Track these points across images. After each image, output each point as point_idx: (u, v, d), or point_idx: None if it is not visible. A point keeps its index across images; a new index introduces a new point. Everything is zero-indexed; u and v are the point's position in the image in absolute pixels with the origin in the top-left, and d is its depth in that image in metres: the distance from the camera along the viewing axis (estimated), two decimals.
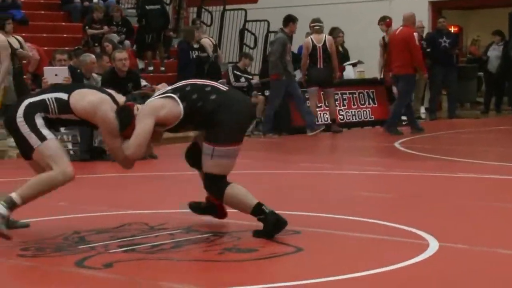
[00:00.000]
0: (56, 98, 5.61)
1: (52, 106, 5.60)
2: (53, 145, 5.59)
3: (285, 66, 13.54)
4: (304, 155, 11.47)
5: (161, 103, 5.57)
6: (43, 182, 5.59)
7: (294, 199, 7.40)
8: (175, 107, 5.53)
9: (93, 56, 12.07)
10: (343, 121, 14.94)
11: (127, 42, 16.53)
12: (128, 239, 5.60)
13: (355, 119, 15.31)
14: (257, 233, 5.56)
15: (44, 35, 15.31)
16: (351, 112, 15.28)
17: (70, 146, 12.09)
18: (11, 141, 12.82)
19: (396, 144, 11.93)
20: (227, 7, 18.96)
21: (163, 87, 5.90)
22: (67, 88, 5.77)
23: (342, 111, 15.04)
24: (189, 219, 6.19)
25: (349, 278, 4.54)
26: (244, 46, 18.16)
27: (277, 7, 18.69)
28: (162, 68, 17.31)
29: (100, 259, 5.01)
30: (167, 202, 7.31)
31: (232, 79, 14.53)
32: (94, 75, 11.66)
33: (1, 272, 4.91)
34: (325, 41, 14.11)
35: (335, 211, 6.56)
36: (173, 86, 5.75)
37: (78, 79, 11.01)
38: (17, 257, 5.15)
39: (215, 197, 5.79)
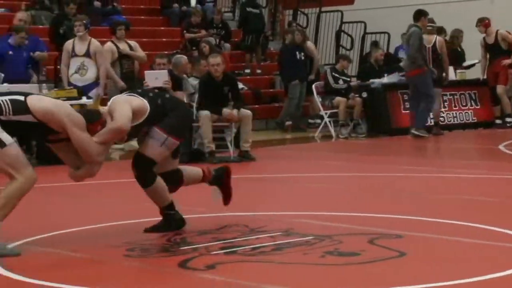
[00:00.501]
0: (11, 100, 5.38)
1: (6, 107, 5.34)
2: (12, 151, 5.32)
3: (424, 59, 13.44)
4: (404, 157, 11.34)
5: (128, 97, 5.84)
6: (13, 195, 5.34)
7: (395, 202, 7.31)
8: (142, 101, 5.79)
9: (186, 58, 12.23)
10: (444, 123, 14.69)
11: (227, 45, 16.72)
12: (229, 241, 5.63)
13: (457, 121, 15.04)
14: (151, 229, 5.98)
15: (144, 39, 15.53)
16: (452, 114, 15.02)
17: None
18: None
19: (501, 147, 11.66)
20: (323, 9, 18.91)
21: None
22: (22, 93, 5.57)
23: (443, 113, 14.79)
24: (289, 222, 6.19)
25: (453, 285, 4.45)
26: (341, 48, 18.08)
27: (374, 8, 18.54)
28: (259, 71, 17.40)
29: (202, 261, 5.05)
30: (266, 204, 7.32)
31: (331, 81, 14.47)
32: (189, 77, 11.80)
33: (108, 272, 4.99)
34: (435, 42, 13.93)
35: (437, 215, 6.45)
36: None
37: (177, 82, 11.15)
38: (123, 257, 5.24)
39: (142, 182, 5.92)
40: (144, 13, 18.49)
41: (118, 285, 4.70)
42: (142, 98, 5.84)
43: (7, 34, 12.79)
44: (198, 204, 7.42)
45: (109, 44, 12.77)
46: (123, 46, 12.78)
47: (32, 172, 5.38)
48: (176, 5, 18.25)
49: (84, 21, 12.42)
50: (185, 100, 11.15)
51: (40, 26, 16.00)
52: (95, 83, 12.32)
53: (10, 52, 12.18)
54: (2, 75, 11.55)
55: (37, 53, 12.48)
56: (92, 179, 5.85)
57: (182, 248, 5.45)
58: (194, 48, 16.02)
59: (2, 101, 5.36)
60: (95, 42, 12.38)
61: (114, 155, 12.64)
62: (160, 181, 5.94)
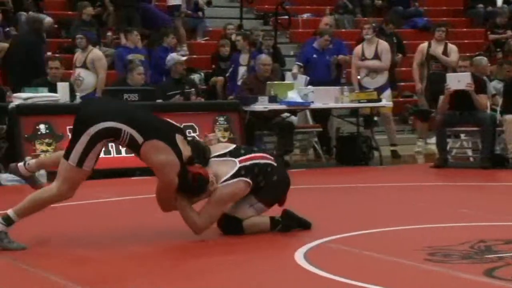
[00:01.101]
0: (131, 136, 5.45)
1: (125, 139, 5.47)
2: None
3: None
4: None
5: (237, 191, 5.86)
6: (39, 202, 5.57)
7: None
8: (244, 191, 5.88)
9: (486, 59, 11.86)
10: None
11: None
12: None
13: None
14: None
15: (446, 41, 15.30)
16: None
17: (469, 152, 11.99)
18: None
19: None
20: None
21: (214, 137, 6.46)
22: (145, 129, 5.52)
23: None
24: None
25: None
26: None
27: None
28: None
29: (510, 271, 4.85)
30: None
31: None
32: (491, 80, 11.46)
33: (405, 274, 4.95)
34: None
35: None
36: (244, 159, 5.89)
37: (480, 85, 10.86)
38: (424, 261, 5.17)
39: (235, 233, 5.95)
40: (447, 14, 18.23)
41: (414, 286, 4.64)
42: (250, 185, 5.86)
43: (312, 38, 13.18)
44: (503, 211, 7.18)
45: (422, 45, 12.74)
46: (438, 48, 12.63)
47: (67, 191, 5.52)
48: (480, 5, 17.81)
49: (373, 24, 12.55)
50: (487, 103, 10.85)
51: (343, 30, 16.33)
52: (386, 85, 12.34)
53: (315, 56, 12.53)
54: (307, 78, 11.91)
55: (340, 56, 12.72)
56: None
57: (486, 256, 5.28)
58: (498, 49, 15.54)
59: (124, 131, 5.44)
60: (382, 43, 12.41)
61: (419, 159, 12.60)
62: (246, 221, 6.01)
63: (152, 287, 4.73)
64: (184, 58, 11.68)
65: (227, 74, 12.94)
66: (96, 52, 11.93)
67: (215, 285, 4.77)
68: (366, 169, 11.05)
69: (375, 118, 12.69)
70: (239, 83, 12.35)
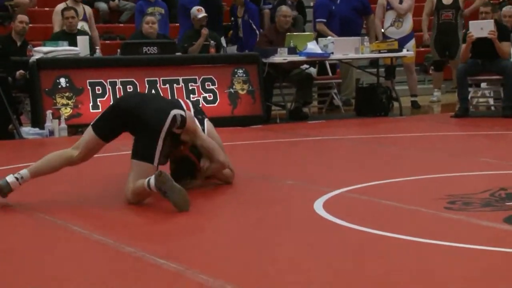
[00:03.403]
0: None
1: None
2: (85, 132, 5.73)
3: None
4: None
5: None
6: (50, 157, 5.65)
7: None
8: None
9: (511, 6, 11.71)
10: None
11: None
12: None
13: None
14: None
15: None
16: None
17: (491, 101, 11.92)
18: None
19: None
20: None
21: None
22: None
23: None
24: None
25: None
26: None
27: None
28: None
29: None
30: None
31: None
32: None
33: (424, 221, 4.95)
34: None
35: None
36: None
37: (503, 33, 10.73)
38: (444, 209, 5.16)
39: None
40: None
41: (433, 234, 4.63)
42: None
43: None
44: None
45: None
46: None
47: (72, 154, 5.61)
48: None
49: None
50: (510, 51, 10.73)
51: None
52: (410, 35, 12.26)
53: (333, 7, 12.42)
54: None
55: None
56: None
57: (507, 203, 5.27)
58: None
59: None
60: None
61: (435, 108, 12.55)
62: None
63: (187, 244, 4.76)
64: (202, 15, 11.58)
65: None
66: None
67: (237, 235, 4.80)
68: (386, 120, 11.01)
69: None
70: (241, 35, 12.34)
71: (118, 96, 9.81)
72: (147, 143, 5.50)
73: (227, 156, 6.10)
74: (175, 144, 5.83)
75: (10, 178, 5.50)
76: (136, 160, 5.51)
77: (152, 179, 5.27)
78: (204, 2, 12.06)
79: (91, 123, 5.72)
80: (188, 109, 5.98)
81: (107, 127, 5.64)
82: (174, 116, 5.54)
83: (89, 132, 5.66)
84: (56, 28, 11.35)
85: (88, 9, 11.81)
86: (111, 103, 6.02)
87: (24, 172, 5.55)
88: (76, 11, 11.00)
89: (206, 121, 6.24)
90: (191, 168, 6.01)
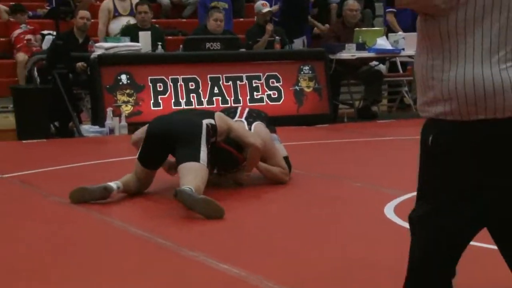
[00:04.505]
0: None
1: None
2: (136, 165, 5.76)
3: None
4: None
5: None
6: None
7: None
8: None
9: None
10: None
11: None
12: None
13: None
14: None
15: None
16: None
17: None
18: None
19: None
20: None
21: None
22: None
23: None
24: None
25: None
26: None
27: None
28: None
29: None
30: None
31: None
32: None
33: None
34: None
35: None
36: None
37: None
38: None
39: None
40: None
41: None
42: None
43: None
44: None
45: None
46: None
47: (134, 173, 5.70)
48: None
49: None
50: None
51: None
52: None
53: None
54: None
55: None
56: None
57: None
58: None
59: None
60: None
61: None
62: None
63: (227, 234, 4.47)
64: (266, 10, 11.23)
65: None
66: None
67: (312, 237, 4.49)
68: None
69: None
70: None
71: (179, 94, 9.61)
72: (188, 149, 5.48)
73: (263, 139, 5.93)
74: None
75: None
76: (181, 164, 5.41)
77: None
78: None
79: (137, 156, 5.76)
80: (242, 115, 6.18)
81: (150, 157, 5.70)
82: (206, 125, 5.60)
83: (137, 165, 5.72)
84: (101, 26, 11.15)
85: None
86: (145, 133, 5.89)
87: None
88: (149, 6, 10.78)
89: (255, 124, 6.14)
90: (230, 159, 5.90)
